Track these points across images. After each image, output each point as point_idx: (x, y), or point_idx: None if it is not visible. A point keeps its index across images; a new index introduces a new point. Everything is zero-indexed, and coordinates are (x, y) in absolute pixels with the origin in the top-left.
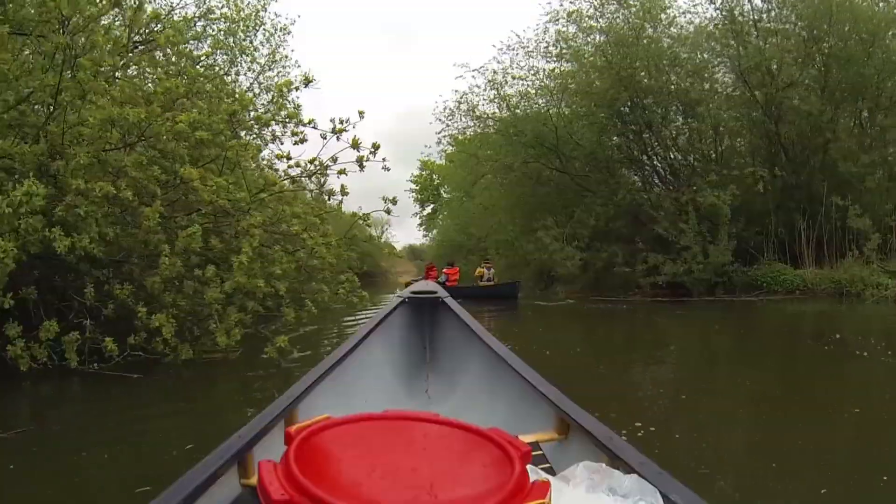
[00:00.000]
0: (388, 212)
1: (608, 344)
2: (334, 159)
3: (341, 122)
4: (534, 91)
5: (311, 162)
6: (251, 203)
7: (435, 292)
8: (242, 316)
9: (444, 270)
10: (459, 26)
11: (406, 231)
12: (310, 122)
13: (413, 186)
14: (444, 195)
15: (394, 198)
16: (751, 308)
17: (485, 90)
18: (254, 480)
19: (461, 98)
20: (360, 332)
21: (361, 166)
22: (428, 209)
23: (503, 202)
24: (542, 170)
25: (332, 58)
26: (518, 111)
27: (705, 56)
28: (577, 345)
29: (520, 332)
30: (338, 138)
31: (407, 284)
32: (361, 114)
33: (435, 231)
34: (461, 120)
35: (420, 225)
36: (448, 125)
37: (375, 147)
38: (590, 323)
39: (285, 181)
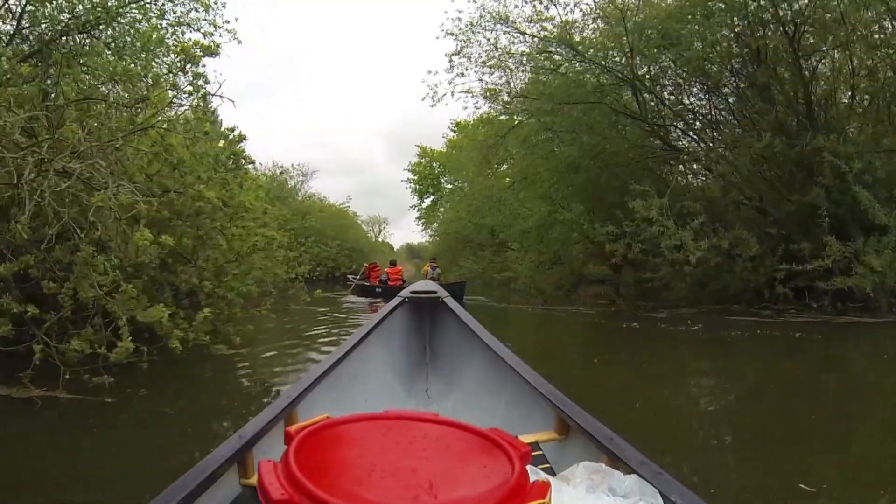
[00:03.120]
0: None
1: None
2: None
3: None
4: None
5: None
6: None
7: (435, 292)
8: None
9: (387, 270)
10: None
11: (404, 231)
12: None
13: (411, 176)
14: (446, 185)
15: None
16: None
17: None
18: (254, 480)
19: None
20: (360, 331)
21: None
22: (427, 201)
23: (548, 166)
24: (612, 118)
25: (335, 51)
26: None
27: None
28: None
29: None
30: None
31: (350, 286)
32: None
33: (435, 225)
34: (487, 37)
35: (419, 219)
36: (465, 44)
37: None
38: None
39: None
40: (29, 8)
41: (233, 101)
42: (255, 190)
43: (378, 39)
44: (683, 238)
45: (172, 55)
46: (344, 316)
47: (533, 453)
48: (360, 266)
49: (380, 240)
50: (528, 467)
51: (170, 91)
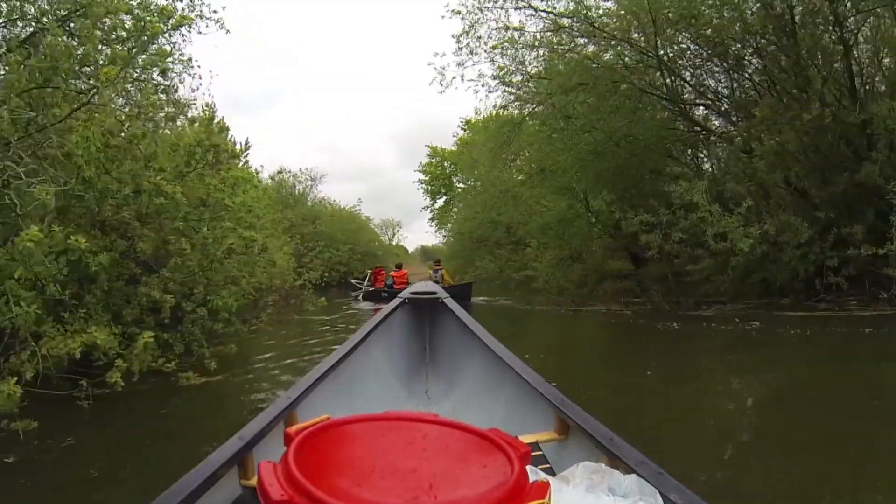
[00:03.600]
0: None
1: None
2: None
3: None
4: None
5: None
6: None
7: (435, 293)
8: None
9: (392, 273)
10: None
11: (416, 234)
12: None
13: (422, 177)
14: (458, 185)
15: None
16: None
17: None
18: (254, 481)
19: None
20: (360, 332)
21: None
22: (440, 202)
23: (568, 154)
24: (635, 101)
25: (333, 47)
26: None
27: None
28: None
29: None
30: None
31: (359, 293)
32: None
33: (449, 225)
34: (497, 15)
35: (431, 220)
36: (472, 24)
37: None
38: None
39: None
40: (3, 5)
41: (190, 61)
42: (250, 190)
43: (377, 40)
44: (729, 225)
45: (131, 36)
46: (354, 327)
47: (533, 453)
48: (371, 270)
49: (394, 243)
50: (528, 467)
51: (124, 67)
